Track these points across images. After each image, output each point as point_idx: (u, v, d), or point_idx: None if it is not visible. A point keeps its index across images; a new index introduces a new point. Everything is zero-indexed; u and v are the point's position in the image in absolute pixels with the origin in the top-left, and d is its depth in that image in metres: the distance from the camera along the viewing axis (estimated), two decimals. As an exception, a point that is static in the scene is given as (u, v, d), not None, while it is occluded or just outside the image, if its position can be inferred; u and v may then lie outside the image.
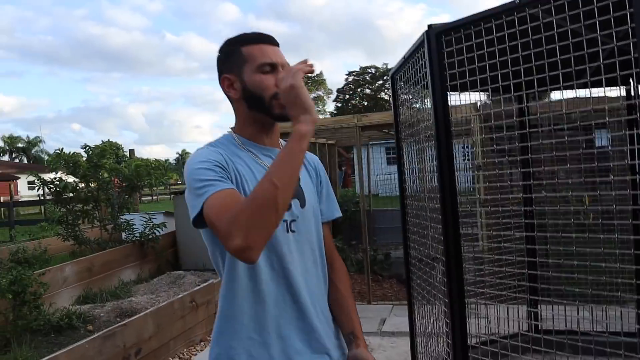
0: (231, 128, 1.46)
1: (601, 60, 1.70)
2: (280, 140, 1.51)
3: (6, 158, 51.54)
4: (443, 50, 2.04)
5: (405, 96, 2.83)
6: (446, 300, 2.20)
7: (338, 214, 1.60)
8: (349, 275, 1.66)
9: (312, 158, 1.58)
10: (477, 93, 2.34)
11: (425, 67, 2.14)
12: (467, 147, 5.71)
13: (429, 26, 2.09)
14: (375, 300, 5.58)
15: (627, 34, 1.58)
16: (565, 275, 2.32)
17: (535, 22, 1.83)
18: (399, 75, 2.72)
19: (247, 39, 1.38)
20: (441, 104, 2.10)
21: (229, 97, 1.42)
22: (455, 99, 2.48)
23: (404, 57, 2.50)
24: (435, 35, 2.05)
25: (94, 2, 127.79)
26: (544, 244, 3.16)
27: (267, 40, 1.39)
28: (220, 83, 1.42)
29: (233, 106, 1.44)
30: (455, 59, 2.03)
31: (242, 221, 1.10)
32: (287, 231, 1.36)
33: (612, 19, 1.60)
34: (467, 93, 2.45)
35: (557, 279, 2.71)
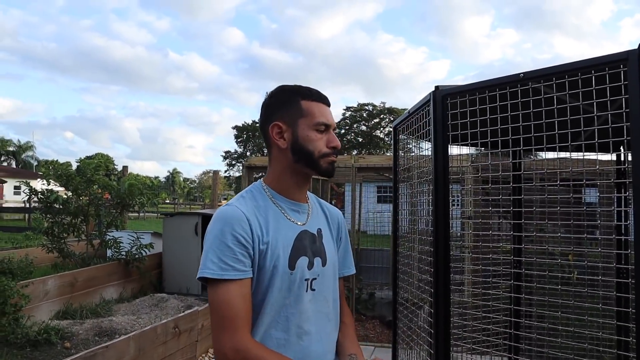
0: (263, 179, 1.48)
1: (595, 126, 1.79)
2: (308, 193, 1.56)
3: (-6, 161, 51.07)
4: (448, 112, 2.14)
5: (407, 146, 2.92)
6: (431, 351, 2.25)
7: (353, 271, 1.65)
8: (353, 319, 1.73)
9: (335, 213, 1.63)
10: (473, 147, 2.44)
11: (429, 125, 2.23)
12: (458, 195, 5.80)
13: (436, 87, 2.19)
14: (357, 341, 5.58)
15: (621, 106, 1.69)
16: (550, 325, 2.37)
17: (537, 95, 1.93)
18: (402, 128, 2.82)
19: (308, 94, 1.42)
20: (442, 158, 2.19)
21: (273, 143, 1.43)
22: (454, 150, 2.58)
23: (408, 111, 2.60)
24: (442, 97, 2.15)
25: (101, 14, 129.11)
26: (529, 293, 3.22)
27: (326, 100, 1.45)
28: (267, 128, 1.44)
29: (272, 154, 1.46)
30: (458, 120, 2.12)
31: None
32: (307, 290, 1.40)
33: (607, 90, 1.70)
34: (464, 146, 2.55)
35: (540, 329, 2.76)
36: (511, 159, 2.79)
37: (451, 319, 2.27)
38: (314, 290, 1.42)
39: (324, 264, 1.45)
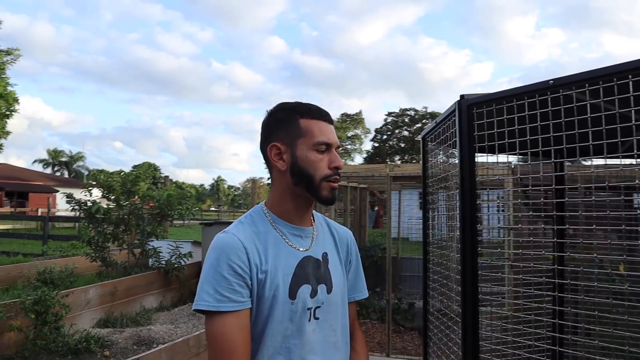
0: (264, 202, 1.41)
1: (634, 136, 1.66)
2: (314, 213, 1.48)
3: (49, 171, 53.22)
4: (474, 123, 2.04)
5: (437, 155, 2.83)
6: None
7: (364, 295, 1.57)
8: (367, 347, 1.64)
9: (344, 233, 1.54)
10: (508, 154, 2.33)
11: (455, 136, 2.14)
12: (500, 205, 5.61)
13: (462, 96, 2.09)
14: (394, 353, 5.45)
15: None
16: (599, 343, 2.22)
17: (568, 103, 1.80)
18: (430, 137, 2.73)
19: (307, 112, 1.33)
20: (467, 168, 2.10)
21: (272, 165, 1.36)
22: (490, 158, 2.47)
23: (435, 121, 2.51)
24: (467, 107, 2.05)
25: (147, 27, 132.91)
26: (575, 307, 3.04)
27: (326, 117, 1.35)
28: (265, 148, 1.36)
29: (273, 176, 1.38)
30: (485, 131, 2.01)
31: None
32: (310, 319, 1.32)
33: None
34: (497, 155, 2.44)
35: (589, 348, 2.59)
36: (551, 168, 2.66)
37: (492, 334, 2.17)
38: (317, 319, 1.34)
39: (329, 291, 1.37)
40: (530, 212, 2.39)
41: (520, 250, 2.49)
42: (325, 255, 1.40)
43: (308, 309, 1.31)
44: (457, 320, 2.39)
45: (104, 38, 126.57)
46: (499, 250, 3.78)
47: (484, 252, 2.35)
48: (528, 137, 1.90)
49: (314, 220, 1.45)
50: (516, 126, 1.91)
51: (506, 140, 1.96)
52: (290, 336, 1.29)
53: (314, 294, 1.33)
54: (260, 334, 1.28)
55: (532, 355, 2.44)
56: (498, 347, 2.26)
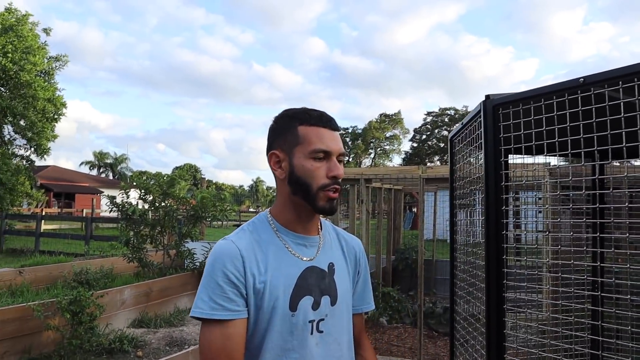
0: (269, 210, 1.37)
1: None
2: (323, 221, 1.42)
3: (95, 172, 54.94)
4: (500, 124, 1.94)
5: (465, 157, 2.73)
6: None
7: (371, 307, 1.51)
8: (376, 356, 1.57)
9: (353, 243, 1.48)
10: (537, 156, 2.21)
11: (481, 138, 2.04)
12: (535, 208, 5.41)
13: (487, 97, 2.00)
14: (426, 359, 5.33)
15: None
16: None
17: (600, 102, 1.69)
18: (458, 139, 2.64)
19: (306, 119, 1.28)
20: (492, 172, 2.01)
21: (274, 174, 1.33)
22: (524, 158, 2.37)
23: (462, 123, 2.42)
24: (492, 108, 1.96)
25: (190, 31, 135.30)
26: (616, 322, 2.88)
27: (327, 123, 1.29)
28: (267, 156, 1.34)
29: (276, 184, 1.35)
30: (511, 132, 1.91)
31: None
32: (312, 332, 1.27)
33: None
34: (529, 156, 2.33)
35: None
36: (586, 169, 2.53)
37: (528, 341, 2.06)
38: (321, 332, 1.28)
39: (333, 302, 1.31)
40: (561, 211, 2.26)
41: (559, 255, 2.35)
42: (331, 265, 1.34)
43: (310, 321, 1.26)
44: (483, 330, 2.29)
45: (148, 42, 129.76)
46: (525, 258, 3.64)
47: (517, 255, 2.25)
48: (557, 138, 1.79)
49: (321, 229, 1.39)
50: (544, 127, 1.80)
51: (533, 142, 1.86)
52: (291, 350, 1.23)
53: (316, 305, 1.27)
54: (258, 346, 1.23)
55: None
56: (523, 348, 2.15)
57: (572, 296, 2.55)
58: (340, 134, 1.34)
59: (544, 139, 1.83)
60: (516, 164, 2.16)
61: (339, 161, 1.28)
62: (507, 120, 1.96)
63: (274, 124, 1.34)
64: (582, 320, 2.42)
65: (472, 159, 2.63)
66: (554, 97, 1.77)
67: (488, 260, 2.00)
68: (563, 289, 2.16)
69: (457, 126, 2.57)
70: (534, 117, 1.84)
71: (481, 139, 2.06)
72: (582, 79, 1.69)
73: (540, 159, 2.36)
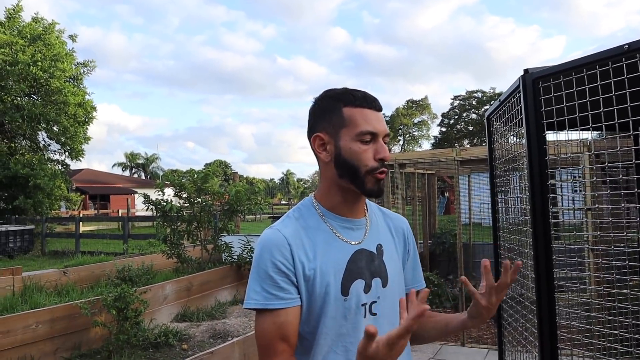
0: (314, 194, 1.36)
1: None
2: (368, 202, 1.40)
3: (127, 173, 56.02)
4: (540, 97, 1.90)
5: (504, 136, 2.69)
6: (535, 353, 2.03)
7: (423, 285, 1.47)
8: None
9: (400, 222, 1.46)
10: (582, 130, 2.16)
11: (521, 114, 2.00)
12: (577, 185, 5.30)
13: (525, 71, 1.95)
14: (470, 343, 5.29)
15: None
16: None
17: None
18: (495, 117, 2.59)
19: (351, 100, 1.25)
20: (536, 148, 1.97)
21: (317, 157, 1.31)
22: (562, 135, 2.32)
23: (499, 100, 2.37)
24: (532, 82, 1.91)
25: (213, 29, 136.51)
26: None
27: (372, 104, 1.25)
28: (310, 139, 1.31)
29: (320, 167, 1.32)
30: (553, 106, 1.87)
31: None
32: (366, 315, 1.26)
33: None
34: (569, 132, 2.27)
35: None
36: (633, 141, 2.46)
37: (571, 323, 2.03)
38: (374, 314, 1.27)
39: (384, 284, 1.30)
40: (609, 191, 2.20)
41: (599, 233, 2.30)
42: (379, 246, 1.33)
43: (362, 304, 1.25)
44: (532, 308, 2.26)
45: (172, 42, 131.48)
46: (575, 233, 3.57)
47: (561, 235, 2.21)
48: (602, 109, 1.74)
49: (367, 211, 1.37)
50: (587, 98, 1.75)
51: (577, 114, 1.82)
52: (345, 334, 1.23)
53: (367, 288, 1.26)
54: (313, 332, 1.23)
55: (614, 345, 2.27)
56: (577, 337, 2.12)
57: (614, 280, 2.50)
58: None
59: (588, 111, 1.79)
60: (551, 141, 2.11)
61: (385, 142, 1.26)
62: (547, 94, 1.92)
63: (316, 105, 1.31)
64: (626, 305, 2.37)
65: (511, 136, 2.59)
66: (597, 67, 1.73)
67: (535, 238, 1.97)
68: (604, 274, 2.12)
69: (494, 104, 2.51)
70: (576, 88, 1.79)
71: (521, 115, 2.03)
72: (626, 46, 1.64)
73: (574, 135, 2.32)
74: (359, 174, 1.23)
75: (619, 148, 1.84)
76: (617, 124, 1.72)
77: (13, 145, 18.32)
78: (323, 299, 1.21)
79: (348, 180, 1.25)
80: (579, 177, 4.89)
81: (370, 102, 1.25)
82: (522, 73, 1.96)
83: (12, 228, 13.87)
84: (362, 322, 1.24)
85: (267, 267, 1.20)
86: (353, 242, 1.29)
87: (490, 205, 2.86)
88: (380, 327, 1.26)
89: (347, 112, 1.24)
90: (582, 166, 4.21)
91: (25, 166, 16.69)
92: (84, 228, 17.86)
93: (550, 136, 2.10)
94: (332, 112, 1.26)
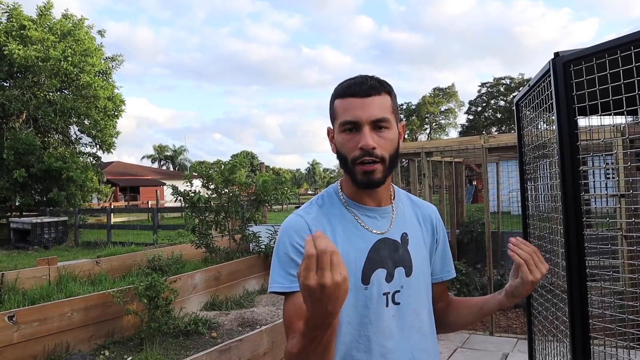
0: (340, 181, 1.37)
1: None
2: (396, 189, 1.39)
3: (156, 165, 56.86)
4: (572, 81, 1.85)
5: (533, 122, 2.63)
6: (566, 342, 1.99)
7: (453, 274, 1.46)
8: None
9: (429, 210, 1.44)
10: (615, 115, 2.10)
11: (551, 98, 1.96)
12: (609, 171, 5.18)
13: (556, 54, 1.90)
14: (498, 332, 5.25)
15: None
16: None
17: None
18: (525, 103, 2.54)
19: (340, 92, 1.26)
20: (567, 133, 1.92)
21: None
22: (594, 121, 2.26)
23: (529, 85, 2.32)
24: (563, 65, 1.86)
25: (238, 21, 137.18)
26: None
27: (356, 92, 1.22)
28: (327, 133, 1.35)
29: None
30: (585, 90, 1.82)
31: None
32: (388, 304, 1.25)
33: None
34: (602, 116, 2.21)
35: None
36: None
37: (604, 312, 1.99)
38: (398, 304, 1.26)
39: (408, 274, 1.28)
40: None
41: (633, 220, 2.24)
42: (404, 235, 1.32)
43: (384, 294, 1.25)
44: (563, 297, 2.23)
45: (198, 35, 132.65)
46: (608, 220, 3.49)
47: (593, 223, 2.17)
48: (637, 92, 1.69)
49: (393, 198, 1.36)
50: (622, 81, 1.70)
51: (610, 97, 1.77)
52: (367, 324, 1.23)
53: (389, 277, 1.26)
54: None
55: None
56: (610, 327, 2.08)
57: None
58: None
59: (622, 94, 1.73)
60: (582, 127, 2.06)
61: (380, 127, 1.22)
62: (579, 77, 1.87)
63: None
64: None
65: (541, 123, 2.54)
66: (632, 48, 1.67)
67: (567, 225, 1.93)
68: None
69: (524, 89, 2.46)
70: (610, 71, 1.74)
71: (551, 99, 1.98)
72: (662, 26, 1.58)
73: (607, 121, 2.26)
74: (348, 165, 1.24)
75: (654, 132, 1.78)
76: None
77: (46, 139, 18.74)
78: None
79: (345, 171, 1.28)
80: (613, 162, 4.77)
81: (354, 90, 1.23)
82: (553, 57, 1.92)
83: (47, 220, 14.26)
84: (385, 311, 1.24)
85: (288, 250, 1.22)
86: (375, 231, 1.28)
87: (519, 193, 2.81)
88: (404, 317, 1.26)
89: (336, 104, 1.27)
90: (615, 151, 4.10)
91: (58, 159, 17.07)
92: (115, 219, 18.24)
93: (582, 122, 2.05)
94: (331, 105, 1.30)
